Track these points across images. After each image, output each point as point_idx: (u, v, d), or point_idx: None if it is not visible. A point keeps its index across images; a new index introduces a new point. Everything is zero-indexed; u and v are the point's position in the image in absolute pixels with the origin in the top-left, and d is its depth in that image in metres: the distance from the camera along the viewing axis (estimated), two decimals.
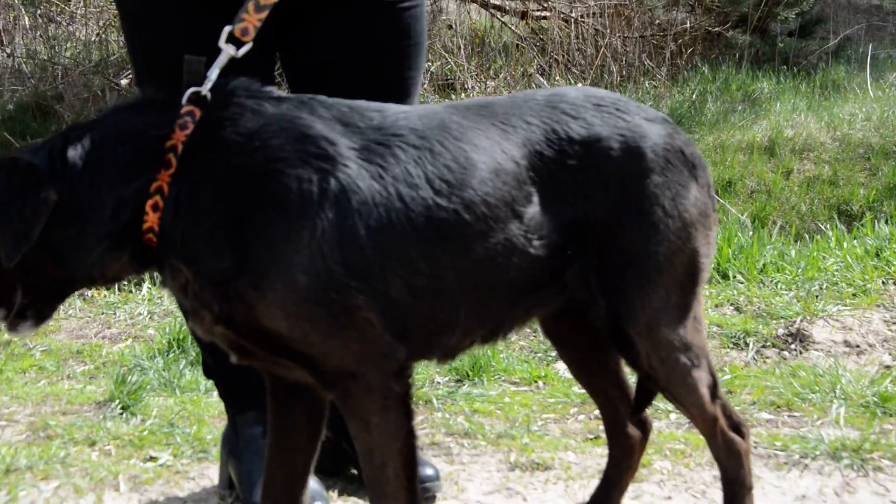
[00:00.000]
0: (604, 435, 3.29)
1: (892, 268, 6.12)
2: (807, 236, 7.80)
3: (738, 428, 2.98)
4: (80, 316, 5.63)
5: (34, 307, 2.60)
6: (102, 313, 5.64)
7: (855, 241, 6.67)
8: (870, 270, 6.10)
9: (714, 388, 2.92)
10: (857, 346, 5.36)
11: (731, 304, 5.78)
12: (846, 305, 5.66)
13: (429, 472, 3.39)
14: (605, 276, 2.75)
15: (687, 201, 2.79)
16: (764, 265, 6.22)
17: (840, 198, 10.11)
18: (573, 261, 2.73)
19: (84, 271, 2.59)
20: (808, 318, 5.45)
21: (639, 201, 2.74)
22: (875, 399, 4.27)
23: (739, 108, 10.29)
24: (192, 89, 2.61)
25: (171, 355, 4.88)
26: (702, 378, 2.88)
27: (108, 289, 6.03)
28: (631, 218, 2.74)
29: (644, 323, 2.78)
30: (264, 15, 2.78)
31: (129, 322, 5.53)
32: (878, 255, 6.36)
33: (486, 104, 2.78)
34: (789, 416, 4.21)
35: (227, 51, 2.73)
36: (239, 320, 2.55)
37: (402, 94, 3.35)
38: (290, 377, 2.72)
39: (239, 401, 3.44)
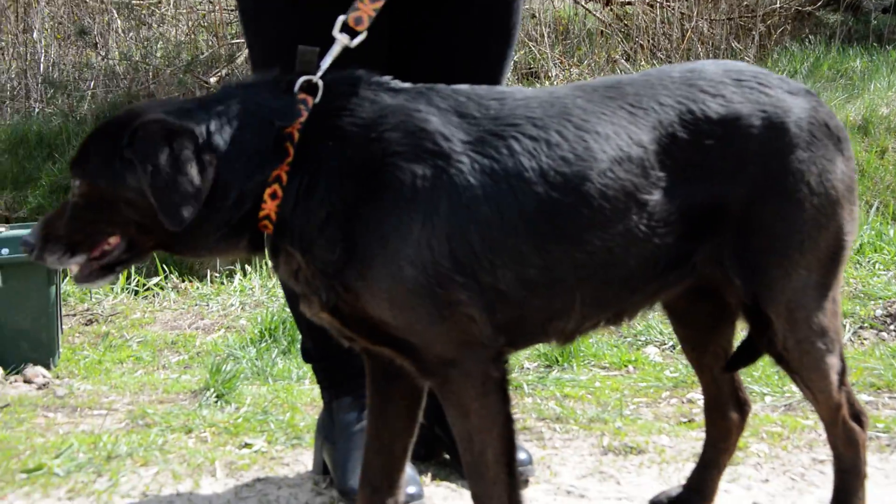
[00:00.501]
0: (697, 418, 3.26)
1: None
2: None
3: (858, 417, 2.91)
4: (174, 308, 5.69)
5: (125, 263, 2.62)
6: (196, 305, 5.70)
7: None
8: None
9: (843, 375, 2.87)
10: None
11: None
12: None
13: (522, 456, 3.37)
14: (743, 256, 2.69)
15: (833, 176, 2.71)
16: (861, 245, 6.14)
17: None
18: (705, 242, 2.68)
19: (198, 250, 2.67)
20: None
21: (783, 179, 2.67)
22: None
23: (832, 87, 10.14)
24: (304, 77, 2.62)
25: (263, 345, 4.92)
26: (834, 364, 2.82)
27: (200, 281, 6.12)
28: (774, 196, 2.67)
29: (784, 304, 2.72)
30: (380, 4, 2.78)
31: (222, 313, 5.58)
32: None
33: (616, 85, 2.72)
34: (890, 397, 4.14)
35: (342, 40, 2.73)
36: (344, 310, 2.58)
37: (499, 75, 3.37)
38: (393, 362, 2.72)
39: (336, 386, 3.44)
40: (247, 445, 3.75)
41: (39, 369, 4.65)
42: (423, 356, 2.59)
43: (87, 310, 5.57)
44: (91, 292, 5.78)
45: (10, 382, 4.54)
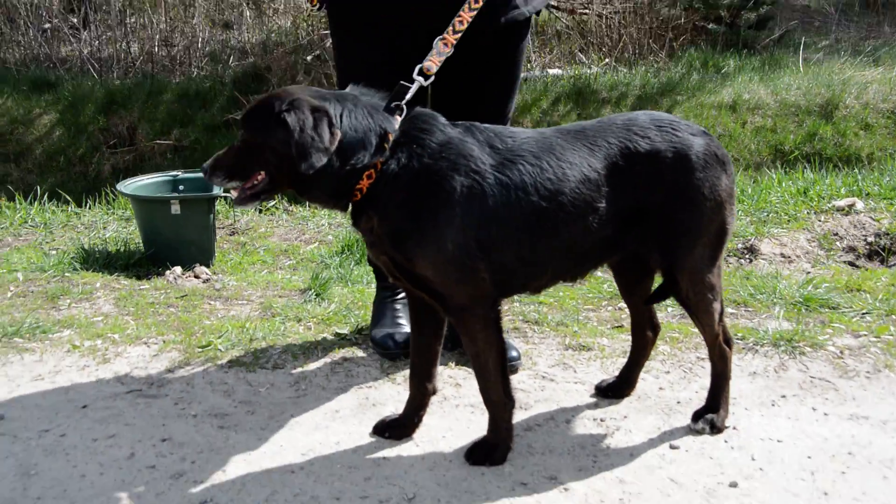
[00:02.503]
0: (625, 324, 3.26)
1: (814, 202, 5.92)
2: (755, 174, 7.66)
3: (728, 341, 2.95)
4: (285, 225, 5.62)
5: (266, 193, 2.60)
6: (299, 224, 5.63)
7: (791, 183, 6.47)
8: (799, 204, 5.90)
9: (721, 315, 2.89)
10: (789, 257, 5.23)
11: None
12: (783, 228, 5.51)
13: (514, 353, 3.40)
14: (661, 239, 2.71)
15: (720, 188, 2.71)
16: None
17: (777, 141, 9.87)
18: (633, 230, 2.69)
19: (312, 197, 2.63)
20: (758, 237, 5.32)
21: (687, 190, 2.67)
22: (801, 299, 4.17)
23: (714, 78, 9.96)
24: (396, 102, 2.64)
25: (344, 255, 4.91)
26: (717, 308, 2.85)
27: (302, 206, 6.07)
28: (681, 201, 2.68)
29: (688, 269, 2.75)
30: (443, 59, 2.80)
31: (317, 230, 5.50)
32: (805, 193, 6.15)
33: (582, 129, 2.70)
34: (745, 310, 4.11)
35: (420, 80, 2.74)
36: (398, 260, 2.60)
37: (508, 105, 3.33)
38: (424, 301, 2.75)
39: (381, 280, 3.62)
40: (337, 334, 3.75)
41: (203, 269, 4.64)
42: (448, 302, 2.62)
43: (231, 224, 5.53)
44: (233, 212, 5.75)
45: (186, 277, 4.53)
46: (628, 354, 3.24)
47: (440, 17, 2.91)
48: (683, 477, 2.72)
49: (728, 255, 5.09)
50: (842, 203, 5.80)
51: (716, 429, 2.95)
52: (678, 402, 3.18)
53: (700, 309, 2.84)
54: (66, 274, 4.46)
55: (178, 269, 4.56)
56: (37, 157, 9.76)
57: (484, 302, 2.62)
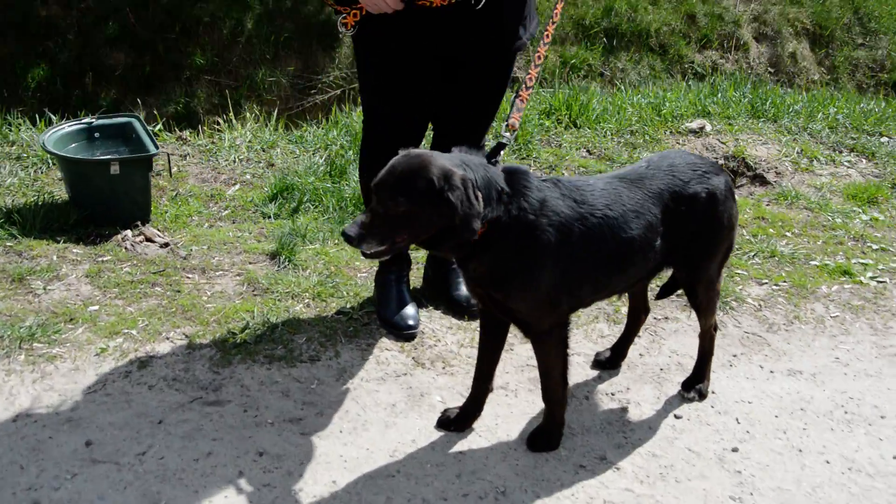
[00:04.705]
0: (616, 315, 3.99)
1: (670, 123, 6.83)
2: (560, 49, 8.42)
3: (715, 328, 3.78)
4: (194, 162, 5.58)
5: (398, 250, 2.98)
6: (209, 160, 5.61)
7: (641, 98, 7.33)
8: (658, 124, 6.79)
9: (715, 311, 3.69)
10: None
11: (584, 148, 6.37)
12: (646, 150, 6.40)
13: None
14: (688, 258, 3.44)
15: (732, 214, 3.48)
16: (597, 116, 6.81)
17: (578, 15, 10.86)
18: (673, 255, 3.38)
19: (442, 250, 3.02)
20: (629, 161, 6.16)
21: (713, 220, 3.40)
22: None
23: None
24: (494, 159, 3.13)
25: (278, 202, 5.12)
26: (716, 307, 3.67)
27: (202, 136, 6.03)
28: (707, 228, 3.40)
29: (704, 282, 3.53)
30: (521, 113, 3.32)
31: (230, 170, 5.53)
32: (659, 111, 7.03)
33: (639, 178, 3.28)
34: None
35: (507, 136, 3.23)
36: (494, 296, 3.12)
37: (500, 100, 3.89)
38: (501, 320, 3.31)
39: (386, 265, 4.13)
40: (341, 313, 4.09)
41: (154, 231, 4.65)
42: (532, 328, 3.21)
43: None
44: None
45: (139, 242, 4.55)
46: (623, 332, 3.99)
47: (457, 47, 3.54)
48: (696, 445, 3.55)
49: None
50: (694, 125, 6.78)
51: (703, 395, 3.81)
52: (661, 370, 3.99)
53: (708, 310, 3.64)
54: (8, 244, 4.38)
55: (128, 233, 4.58)
56: None
57: (561, 327, 3.23)
